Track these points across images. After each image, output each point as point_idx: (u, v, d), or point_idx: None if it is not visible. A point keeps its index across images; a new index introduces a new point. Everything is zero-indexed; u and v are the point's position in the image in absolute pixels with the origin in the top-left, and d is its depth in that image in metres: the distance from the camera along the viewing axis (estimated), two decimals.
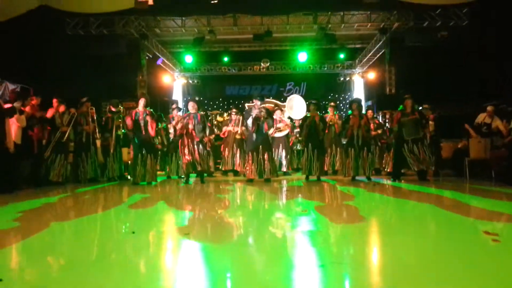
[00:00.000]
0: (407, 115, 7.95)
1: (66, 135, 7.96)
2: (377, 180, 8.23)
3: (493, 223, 3.61)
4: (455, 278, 2.07)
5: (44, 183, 7.52)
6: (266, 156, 7.88)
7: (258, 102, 8.21)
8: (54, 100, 7.95)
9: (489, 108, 8.77)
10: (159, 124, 8.86)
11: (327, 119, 9.02)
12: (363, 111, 10.04)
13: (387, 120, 11.85)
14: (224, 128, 9.85)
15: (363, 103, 16.65)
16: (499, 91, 10.75)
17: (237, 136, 9.57)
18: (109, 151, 8.66)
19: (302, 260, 2.52)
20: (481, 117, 8.90)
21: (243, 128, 9.73)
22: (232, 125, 9.65)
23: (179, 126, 7.91)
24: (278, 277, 2.13)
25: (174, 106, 9.72)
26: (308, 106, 8.51)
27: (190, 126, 7.78)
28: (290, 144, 11.41)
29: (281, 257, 2.53)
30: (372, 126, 9.38)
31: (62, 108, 8.06)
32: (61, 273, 2.27)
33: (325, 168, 8.75)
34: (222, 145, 9.77)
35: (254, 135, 7.94)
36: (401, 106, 8.25)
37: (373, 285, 1.99)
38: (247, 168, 8.01)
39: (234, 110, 10.06)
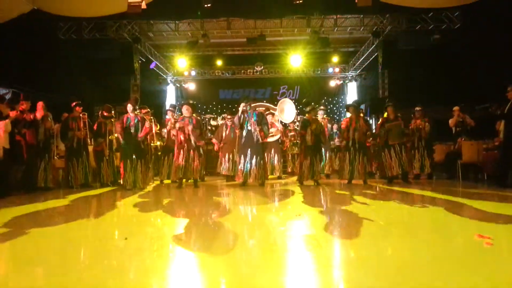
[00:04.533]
0: (390, 121, 8.22)
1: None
2: (372, 183, 8.27)
3: (485, 226, 3.62)
4: (449, 282, 2.07)
5: (36, 189, 7.45)
6: (254, 160, 7.82)
7: (244, 105, 7.99)
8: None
9: (455, 108, 9.14)
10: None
11: None
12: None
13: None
14: (214, 140, 9.71)
15: None
16: (492, 93, 10.84)
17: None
18: (103, 156, 8.60)
19: (296, 264, 2.51)
20: (453, 121, 9.11)
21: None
22: (228, 130, 9.51)
23: (173, 131, 7.86)
24: (272, 282, 2.12)
25: (170, 108, 9.66)
26: (311, 110, 8.46)
27: (186, 131, 7.72)
28: (285, 148, 11.42)
29: (274, 262, 2.52)
30: None
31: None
32: (52, 280, 2.24)
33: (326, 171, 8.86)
34: (222, 150, 9.57)
35: (243, 139, 7.92)
36: (385, 114, 8.48)
37: None
38: (237, 171, 8.00)
39: (228, 116, 9.97)
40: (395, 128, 8.11)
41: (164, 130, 9.28)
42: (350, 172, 8.24)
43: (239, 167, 7.87)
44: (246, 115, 7.96)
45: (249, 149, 7.83)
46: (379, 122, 8.62)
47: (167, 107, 16.88)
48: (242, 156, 7.86)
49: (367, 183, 8.11)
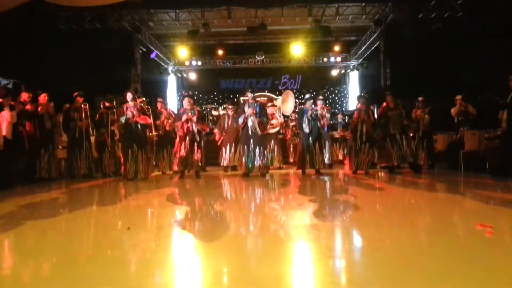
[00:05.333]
0: (391, 110, 8.15)
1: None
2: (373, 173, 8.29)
3: (487, 215, 3.63)
4: (451, 271, 2.08)
5: (38, 179, 7.49)
6: (257, 150, 7.85)
7: (250, 95, 8.08)
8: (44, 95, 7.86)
9: (457, 97, 9.07)
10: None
11: None
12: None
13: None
14: (215, 130, 9.69)
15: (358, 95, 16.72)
16: (493, 83, 10.79)
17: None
18: (104, 146, 8.61)
19: (297, 254, 2.53)
20: (455, 110, 9.04)
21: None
22: (230, 120, 9.51)
23: (177, 122, 7.85)
24: (274, 271, 2.13)
25: (159, 100, 9.60)
26: (307, 99, 8.47)
27: (190, 123, 7.72)
28: (287, 139, 11.43)
29: (276, 252, 2.53)
30: None
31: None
32: (55, 270, 2.26)
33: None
34: (223, 140, 9.59)
35: (248, 130, 7.92)
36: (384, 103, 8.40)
37: (368, 279, 1.99)
38: (239, 162, 8.01)
39: (230, 106, 9.92)
40: (396, 117, 8.07)
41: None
42: (356, 163, 8.26)
43: (243, 158, 7.89)
44: (248, 106, 7.97)
45: (251, 140, 7.84)
46: (378, 111, 8.55)
47: (168, 97, 16.85)
48: (246, 146, 7.86)
49: (368, 173, 8.12)
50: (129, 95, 7.69)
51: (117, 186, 6.98)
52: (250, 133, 7.88)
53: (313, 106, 8.30)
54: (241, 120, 7.95)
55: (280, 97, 9.98)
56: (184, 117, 7.69)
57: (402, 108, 8.21)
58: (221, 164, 9.50)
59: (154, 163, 9.10)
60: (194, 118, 7.72)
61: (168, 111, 9.21)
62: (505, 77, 7.08)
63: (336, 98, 18.48)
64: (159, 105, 9.37)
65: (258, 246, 2.72)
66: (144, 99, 8.53)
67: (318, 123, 8.25)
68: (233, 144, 9.21)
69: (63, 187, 6.80)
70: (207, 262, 2.38)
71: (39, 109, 7.63)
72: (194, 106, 8.11)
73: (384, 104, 8.36)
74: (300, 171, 8.50)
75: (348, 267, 2.22)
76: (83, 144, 8.22)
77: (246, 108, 8.01)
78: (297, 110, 11.95)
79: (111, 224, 3.70)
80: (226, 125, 9.47)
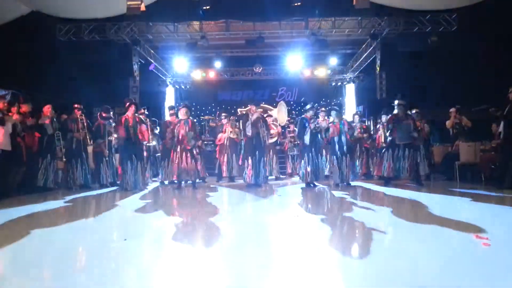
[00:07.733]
0: (401, 120, 7.96)
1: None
2: (368, 184, 8.29)
3: (483, 227, 3.65)
4: (448, 282, 2.10)
5: (35, 190, 7.47)
6: (262, 161, 7.99)
7: (254, 107, 8.33)
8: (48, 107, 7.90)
9: (451, 110, 9.13)
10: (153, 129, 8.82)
11: None
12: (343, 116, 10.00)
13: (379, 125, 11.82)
14: (220, 135, 9.85)
15: (354, 107, 16.82)
16: (489, 95, 10.90)
17: (232, 136, 9.63)
18: (102, 157, 8.62)
19: (295, 265, 2.54)
20: (450, 122, 9.08)
21: (236, 129, 9.81)
22: (224, 130, 9.76)
23: (168, 133, 7.96)
24: (272, 283, 2.15)
25: (172, 111, 9.68)
26: (309, 109, 8.51)
27: (182, 132, 7.81)
28: (285, 149, 11.48)
29: (273, 263, 2.55)
30: (358, 129, 9.62)
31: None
32: (51, 282, 2.26)
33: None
34: (218, 152, 9.80)
35: (254, 140, 8.00)
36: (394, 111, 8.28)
37: None
38: (247, 173, 8.04)
39: (224, 114, 10.12)
40: (404, 128, 7.84)
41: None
42: (339, 175, 8.26)
43: (250, 168, 7.95)
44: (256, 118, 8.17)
45: (257, 151, 8.03)
46: (388, 119, 8.26)
47: (166, 108, 16.91)
48: (254, 158, 7.97)
49: (349, 184, 8.09)
50: (133, 108, 7.77)
51: (114, 196, 6.97)
52: (255, 144, 7.97)
53: (315, 117, 8.32)
54: (249, 132, 8.00)
55: (275, 109, 10.08)
56: (176, 128, 7.80)
57: (412, 119, 7.99)
58: (224, 176, 9.75)
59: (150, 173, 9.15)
60: (186, 128, 7.81)
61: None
62: (499, 89, 7.15)
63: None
64: (172, 118, 9.34)
65: (256, 258, 2.73)
66: (143, 110, 8.58)
67: (320, 135, 8.27)
68: (226, 155, 9.43)
69: (59, 198, 6.77)
70: (204, 275, 2.39)
71: (36, 121, 7.65)
72: (190, 118, 8.17)
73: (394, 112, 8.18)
74: (299, 181, 8.55)
75: (345, 278, 2.23)
76: (80, 154, 8.23)
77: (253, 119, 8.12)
78: (297, 119, 12.02)
79: (107, 235, 3.70)
80: (221, 135, 9.70)
